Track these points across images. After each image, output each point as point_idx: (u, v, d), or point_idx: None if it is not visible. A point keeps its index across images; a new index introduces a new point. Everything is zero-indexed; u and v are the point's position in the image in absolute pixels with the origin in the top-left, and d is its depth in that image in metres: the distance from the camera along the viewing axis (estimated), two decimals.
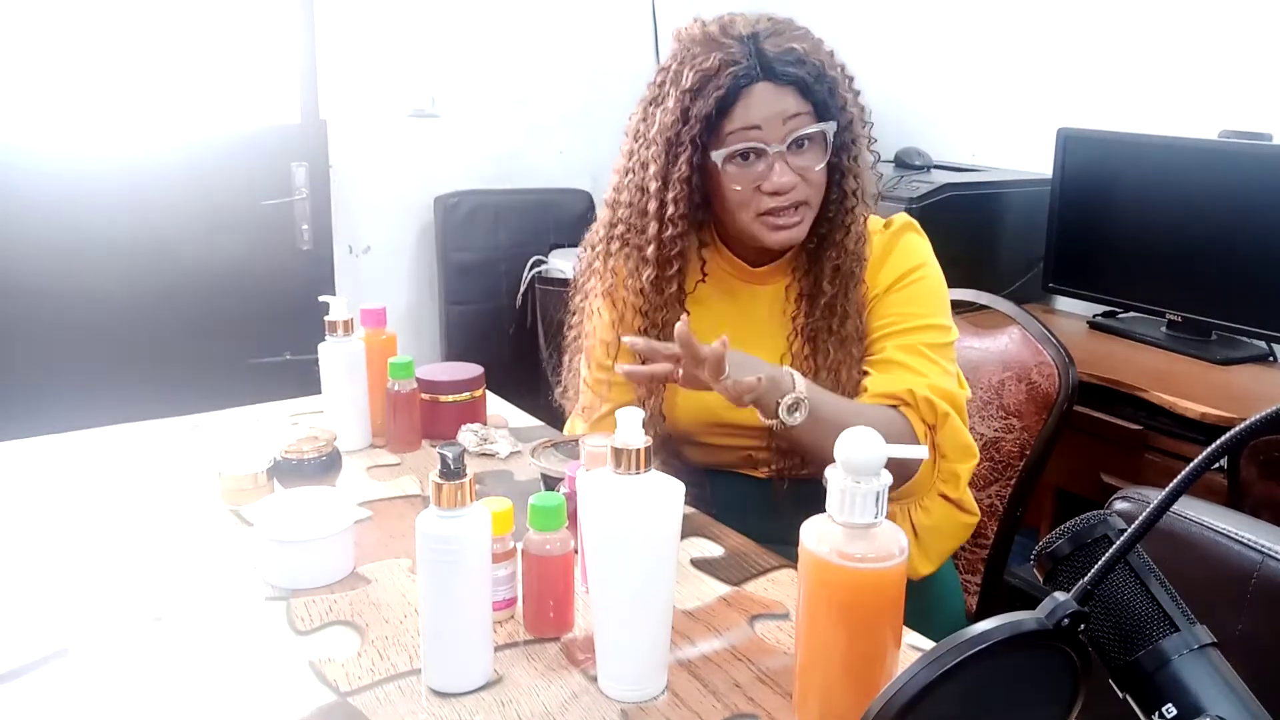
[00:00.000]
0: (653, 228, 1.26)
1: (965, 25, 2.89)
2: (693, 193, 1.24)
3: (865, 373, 1.28)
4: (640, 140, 1.29)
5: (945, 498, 1.29)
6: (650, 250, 1.27)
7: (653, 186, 1.25)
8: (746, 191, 1.22)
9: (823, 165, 1.24)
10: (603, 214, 1.36)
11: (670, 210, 1.24)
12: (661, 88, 1.27)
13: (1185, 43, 2.38)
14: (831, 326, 1.28)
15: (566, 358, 1.45)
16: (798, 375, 1.17)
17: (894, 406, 1.23)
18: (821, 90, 1.22)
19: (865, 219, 1.30)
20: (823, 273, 1.28)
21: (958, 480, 1.28)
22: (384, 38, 2.97)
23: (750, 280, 1.34)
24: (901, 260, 1.31)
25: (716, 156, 1.21)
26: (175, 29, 2.63)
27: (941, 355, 1.27)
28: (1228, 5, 2.30)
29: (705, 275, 1.33)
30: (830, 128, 1.23)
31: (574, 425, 1.43)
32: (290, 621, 0.99)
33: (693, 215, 1.26)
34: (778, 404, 1.14)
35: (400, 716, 0.85)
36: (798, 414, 1.14)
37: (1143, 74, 2.47)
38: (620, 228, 1.32)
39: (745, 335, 1.31)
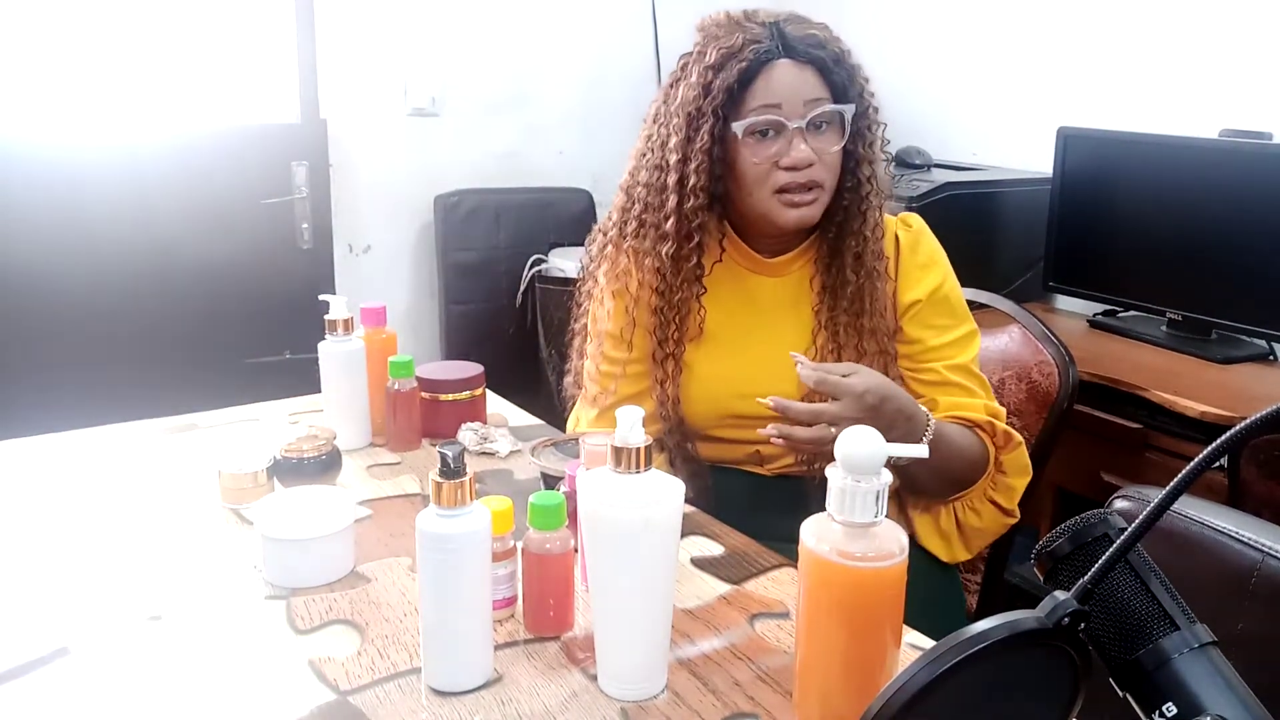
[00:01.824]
0: (672, 201, 1.27)
1: (965, 25, 2.89)
2: (713, 164, 1.25)
3: (917, 395, 1.31)
4: (659, 121, 1.30)
5: (996, 504, 1.33)
6: (670, 225, 1.28)
7: (673, 159, 1.27)
8: (764, 166, 1.24)
9: (839, 148, 1.26)
10: (617, 199, 1.37)
11: (692, 181, 1.25)
12: (684, 69, 1.29)
13: (1185, 43, 2.38)
14: (861, 324, 1.29)
15: (576, 342, 1.45)
16: (933, 423, 1.22)
17: (970, 426, 1.29)
18: (840, 74, 1.25)
19: (882, 209, 1.31)
20: (845, 263, 1.29)
21: (1013, 493, 1.33)
22: (384, 38, 2.97)
23: (764, 272, 1.34)
24: (932, 264, 1.35)
25: (737, 127, 1.23)
26: (175, 27, 2.63)
27: (976, 365, 1.34)
28: (1228, 5, 2.30)
29: (722, 256, 1.33)
30: (849, 110, 1.25)
31: (580, 414, 1.43)
32: (290, 620, 0.99)
33: (712, 188, 1.27)
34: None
35: (400, 715, 0.85)
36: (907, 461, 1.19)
37: (1143, 74, 2.47)
38: (637, 208, 1.32)
39: (759, 329, 1.33)
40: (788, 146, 1.23)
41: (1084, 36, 2.59)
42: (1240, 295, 2.13)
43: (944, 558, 1.35)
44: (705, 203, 1.27)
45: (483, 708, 0.86)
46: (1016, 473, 1.32)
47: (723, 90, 1.23)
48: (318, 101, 2.81)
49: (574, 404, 1.46)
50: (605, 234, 1.38)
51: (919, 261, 1.34)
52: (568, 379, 1.48)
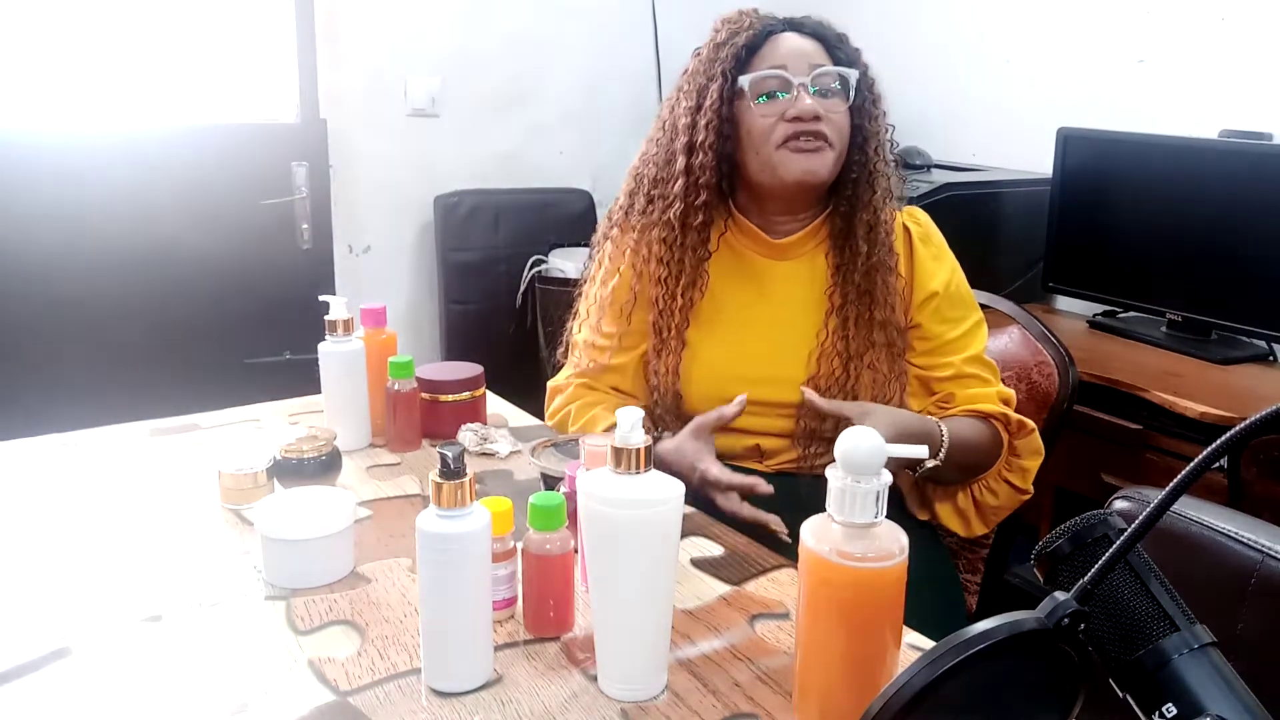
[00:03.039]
0: (680, 162, 1.30)
1: (966, 25, 2.89)
2: (721, 123, 1.28)
3: (934, 391, 1.36)
4: (671, 106, 1.34)
5: (1011, 484, 1.36)
6: (677, 186, 1.30)
7: (682, 123, 1.30)
8: (770, 120, 1.27)
9: (845, 110, 1.29)
10: (624, 184, 1.39)
11: (700, 138, 1.28)
12: (697, 58, 1.33)
13: (1185, 43, 2.38)
14: (872, 315, 1.31)
15: (573, 324, 1.47)
16: (946, 434, 1.27)
17: (984, 418, 1.33)
18: (844, 51, 1.30)
19: (890, 188, 1.33)
20: (857, 235, 1.31)
21: (1027, 474, 1.37)
22: (384, 37, 2.97)
23: (773, 255, 1.35)
24: (943, 253, 1.38)
25: (744, 81, 1.26)
26: (175, 28, 2.63)
27: (985, 352, 1.38)
28: (1228, 5, 2.30)
29: (728, 225, 1.35)
30: (852, 74, 1.29)
31: (560, 376, 1.47)
32: (290, 621, 0.99)
33: (720, 147, 1.28)
34: (918, 465, 1.27)
35: (400, 716, 0.85)
36: (927, 470, 1.28)
37: (1143, 74, 2.47)
38: (645, 184, 1.35)
39: (766, 313, 1.34)
40: (793, 102, 1.26)
41: (1084, 37, 2.59)
42: (1240, 295, 2.13)
43: (962, 533, 1.40)
44: (713, 161, 1.29)
45: (483, 708, 0.86)
46: (1030, 455, 1.36)
47: (731, 56, 1.27)
48: (318, 101, 2.81)
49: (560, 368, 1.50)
50: (610, 218, 1.41)
51: (932, 252, 1.37)
52: (559, 351, 1.50)
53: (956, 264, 1.39)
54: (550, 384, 1.50)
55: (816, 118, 1.25)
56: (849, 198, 1.31)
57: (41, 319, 2.57)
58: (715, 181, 1.30)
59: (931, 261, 1.35)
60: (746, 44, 1.27)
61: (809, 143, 1.26)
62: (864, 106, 1.30)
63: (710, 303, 1.35)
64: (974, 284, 1.57)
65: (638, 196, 1.36)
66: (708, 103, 1.27)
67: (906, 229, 1.36)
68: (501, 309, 3.12)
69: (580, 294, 1.46)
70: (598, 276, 1.42)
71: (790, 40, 1.29)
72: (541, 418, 1.58)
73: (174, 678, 0.90)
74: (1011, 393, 1.37)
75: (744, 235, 1.35)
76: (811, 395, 1.27)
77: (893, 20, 3.06)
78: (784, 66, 1.26)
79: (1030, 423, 1.34)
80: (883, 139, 1.33)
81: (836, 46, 1.30)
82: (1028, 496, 1.38)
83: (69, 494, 1.28)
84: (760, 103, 1.27)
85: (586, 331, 1.43)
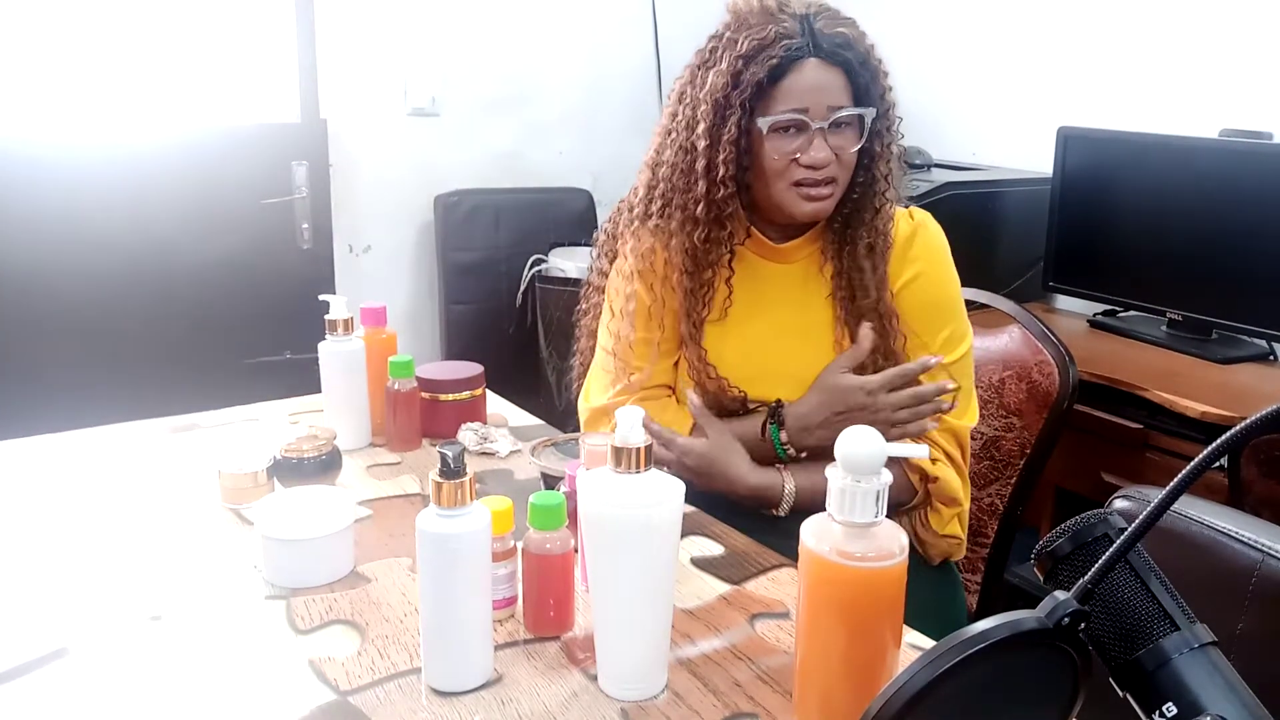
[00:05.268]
0: (701, 187, 1.29)
1: (965, 24, 2.89)
2: (739, 155, 1.27)
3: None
4: (685, 101, 1.31)
5: (932, 527, 1.33)
6: (700, 209, 1.29)
7: (700, 145, 1.28)
8: (783, 161, 1.26)
9: (856, 148, 1.28)
10: (642, 175, 1.38)
11: (720, 171, 1.27)
12: (714, 53, 1.29)
13: (1185, 43, 2.38)
14: (879, 309, 1.31)
15: (585, 321, 1.45)
16: (788, 482, 1.28)
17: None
18: (865, 76, 1.27)
19: (894, 204, 1.33)
20: (858, 252, 1.31)
21: (942, 521, 1.33)
22: (384, 37, 2.97)
23: (773, 258, 1.35)
24: (918, 259, 1.35)
25: (762, 123, 1.25)
26: (176, 27, 2.63)
27: (967, 371, 1.35)
28: (1228, 5, 2.30)
29: (745, 241, 1.34)
30: (869, 114, 1.27)
31: (593, 389, 1.39)
32: (290, 621, 0.99)
33: (740, 177, 1.28)
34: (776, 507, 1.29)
35: (400, 715, 0.85)
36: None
37: (1143, 74, 2.47)
38: (662, 187, 1.33)
39: (766, 314, 1.34)
40: (808, 144, 1.25)
41: (1084, 36, 2.59)
42: (1240, 295, 2.13)
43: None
44: (734, 191, 1.29)
45: (483, 708, 0.86)
46: (945, 503, 1.32)
47: (752, 84, 1.24)
48: (318, 101, 2.81)
49: (579, 386, 1.45)
50: (631, 210, 1.38)
51: (920, 258, 1.34)
52: (575, 360, 1.48)
53: (937, 276, 1.35)
54: (589, 408, 1.39)
55: (829, 164, 1.25)
56: (845, 215, 1.31)
57: (42, 318, 2.57)
58: (736, 209, 1.30)
59: (916, 266, 1.34)
60: (769, 74, 1.23)
61: (818, 190, 1.26)
62: (877, 132, 1.29)
63: (730, 304, 1.34)
64: (974, 284, 1.57)
65: (655, 196, 1.34)
66: (726, 134, 1.25)
67: (899, 226, 1.35)
68: (501, 309, 3.12)
69: (592, 286, 1.44)
70: (621, 270, 1.38)
71: (813, 72, 1.24)
72: (542, 416, 1.58)
73: (174, 678, 0.90)
74: (962, 426, 1.32)
75: (750, 239, 1.35)
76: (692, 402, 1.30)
77: (893, 19, 3.06)
78: (805, 110, 1.24)
79: (940, 473, 1.29)
80: (891, 160, 1.31)
81: (858, 72, 1.26)
82: (956, 543, 1.35)
83: (68, 494, 1.28)
84: (776, 137, 1.25)
85: (619, 337, 1.37)
